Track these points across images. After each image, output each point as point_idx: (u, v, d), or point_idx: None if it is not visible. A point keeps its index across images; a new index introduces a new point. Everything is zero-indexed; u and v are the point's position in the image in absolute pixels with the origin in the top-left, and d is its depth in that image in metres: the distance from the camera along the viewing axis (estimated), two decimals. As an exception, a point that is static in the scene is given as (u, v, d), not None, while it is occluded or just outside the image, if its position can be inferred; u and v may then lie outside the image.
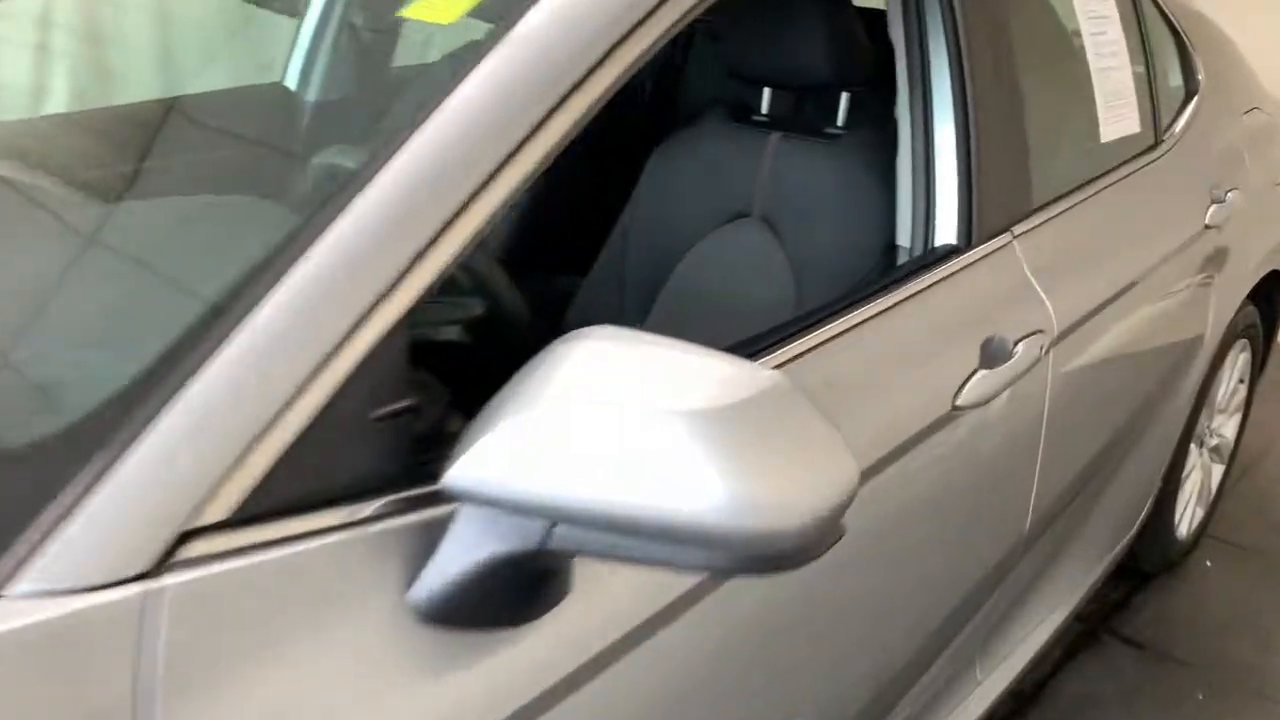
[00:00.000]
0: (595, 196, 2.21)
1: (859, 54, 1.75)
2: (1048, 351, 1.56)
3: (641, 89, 2.93)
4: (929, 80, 1.55)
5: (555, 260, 2.31)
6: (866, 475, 1.26)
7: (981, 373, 1.41)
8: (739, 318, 1.81)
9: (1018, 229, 1.60)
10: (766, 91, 1.90)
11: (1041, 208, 1.67)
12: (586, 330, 0.82)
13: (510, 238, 2.39)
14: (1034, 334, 1.52)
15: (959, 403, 1.37)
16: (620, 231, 1.97)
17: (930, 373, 1.38)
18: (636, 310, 1.93)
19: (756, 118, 1.90)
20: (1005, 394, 1.46)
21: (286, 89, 2.15)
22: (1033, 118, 1.67)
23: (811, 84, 1.85)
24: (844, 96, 1.83)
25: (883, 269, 1.61)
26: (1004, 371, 1.44)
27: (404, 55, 1.95)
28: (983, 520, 1.56)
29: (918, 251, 1.55)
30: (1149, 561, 2.55)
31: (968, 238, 1.52)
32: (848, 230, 1.71)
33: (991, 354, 1.43)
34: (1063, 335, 1.60)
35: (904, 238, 1.58)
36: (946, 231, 1.54)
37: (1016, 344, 1.47)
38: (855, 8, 1.77)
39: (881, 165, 1.65)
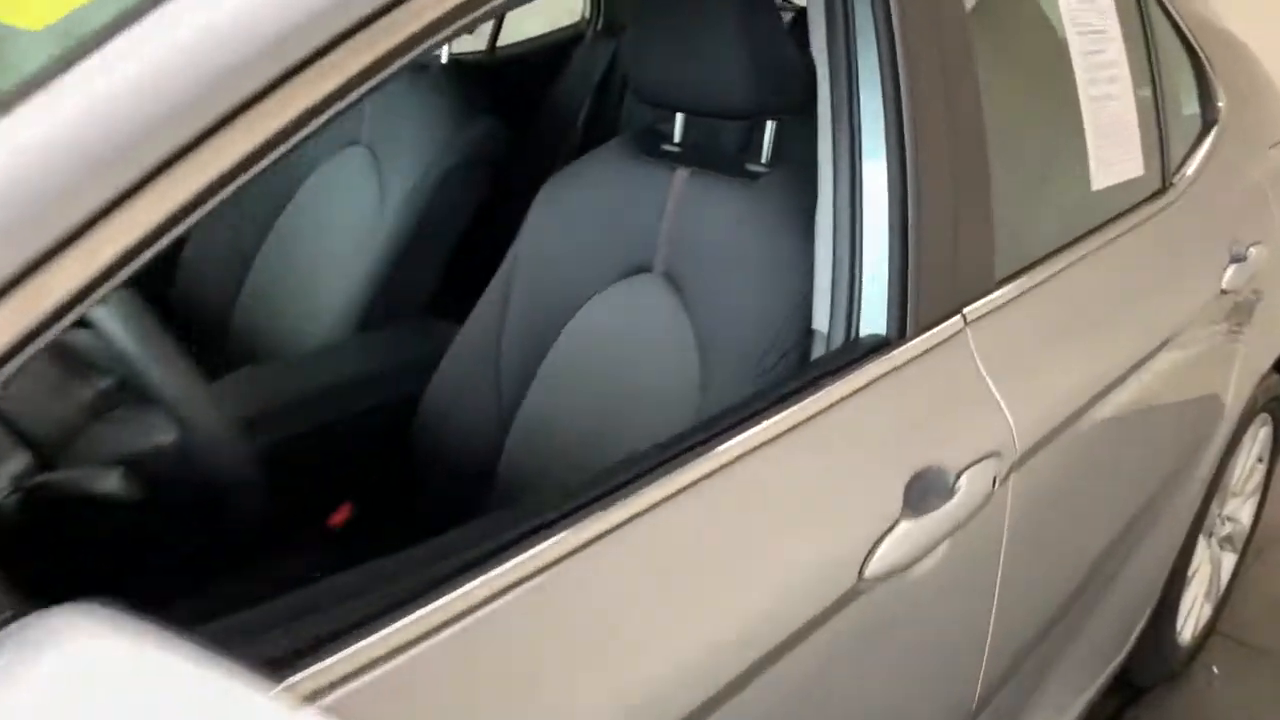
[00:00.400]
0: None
1: (788, 76, 1.37)
2: (1005, 480, 1.17)
3: (577, 110, 2.58)
4: (857, 109, 1.17)
5: (448, 301, 1.94)
6: (740, 683, 0.90)
7: (905, 524, 1.03)
8: (632, 401, 1.46)
9: (972, 311, 1.22)
10: (679, 117, 1.52)
11: (1006, 281, 1.28)
12: (56, 618, 0.45)
13: (393, 271, 2.03)
14: (985, 458, 1.13)
15: (869, 572, 0.99)
16: (502, 280, 1.60)
17: (833, 526, 1.00)
18: (513, 382, 1.56)
19: (666, 147, 1.52)
20: (942, 547, 1.08)
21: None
22: (998, 160, 1.28)
23: (729, 111, 1.47)
24: (769, 126, 1.45)
25: (794, 364, 1.23)
26: (939, 518, 1.05)
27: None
28: (909, 709, 1.18)
29: (838, 341, 1.18)
30: (1145, 676, 2.15)
31: (902, 325, 1.14)
32: (766, 294, 1.33)
33: (920, 495, 1.04)
34: (1027, 456, 1.20)
35: (821, 321, 1.21)
36: (875, 315, 1.16)
37: (959, 476, 1.09)
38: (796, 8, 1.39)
39: (812, 213, 1.27)
